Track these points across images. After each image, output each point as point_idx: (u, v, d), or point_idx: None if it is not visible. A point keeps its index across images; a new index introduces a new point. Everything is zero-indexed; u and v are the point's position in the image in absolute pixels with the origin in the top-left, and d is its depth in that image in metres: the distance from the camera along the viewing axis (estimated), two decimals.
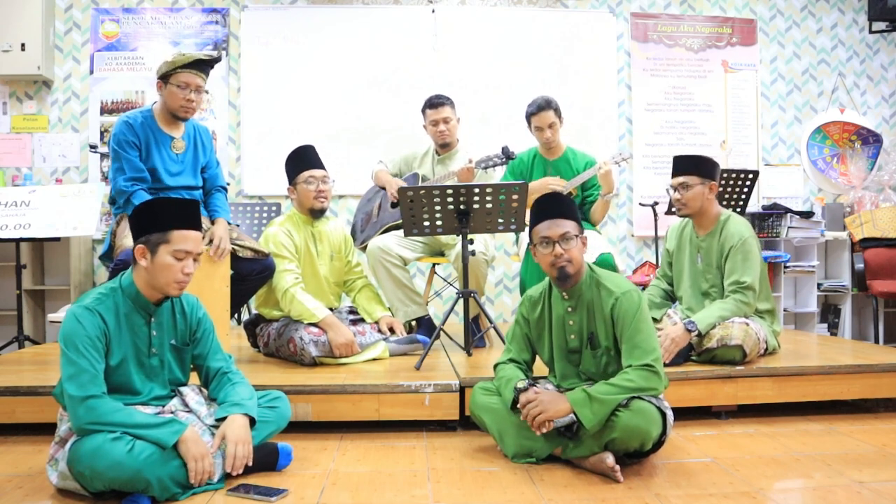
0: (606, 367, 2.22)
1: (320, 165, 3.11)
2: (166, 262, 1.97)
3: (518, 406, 2.13)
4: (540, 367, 2.44)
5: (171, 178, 2.94)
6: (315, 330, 2.92)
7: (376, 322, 3.19)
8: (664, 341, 2.65)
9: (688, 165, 2.89)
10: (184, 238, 1.98)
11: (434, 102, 3.66)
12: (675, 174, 2.92)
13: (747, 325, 2.74)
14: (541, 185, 3.66)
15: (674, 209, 2.99)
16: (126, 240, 2.74)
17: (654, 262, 4.75)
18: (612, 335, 2.19)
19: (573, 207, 2.26)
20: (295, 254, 3.06)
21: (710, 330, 2.71)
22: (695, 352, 2.76)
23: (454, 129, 3.71)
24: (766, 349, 2.88)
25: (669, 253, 3.15)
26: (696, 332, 2.70)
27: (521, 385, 2.17)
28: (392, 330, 3.17)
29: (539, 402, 2.06)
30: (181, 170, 2.98)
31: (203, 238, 2.83)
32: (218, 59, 2.94)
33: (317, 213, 3.13)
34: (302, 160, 3.10)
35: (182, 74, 2.84)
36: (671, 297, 3.16)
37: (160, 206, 2.02)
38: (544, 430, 2.07)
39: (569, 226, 2.19)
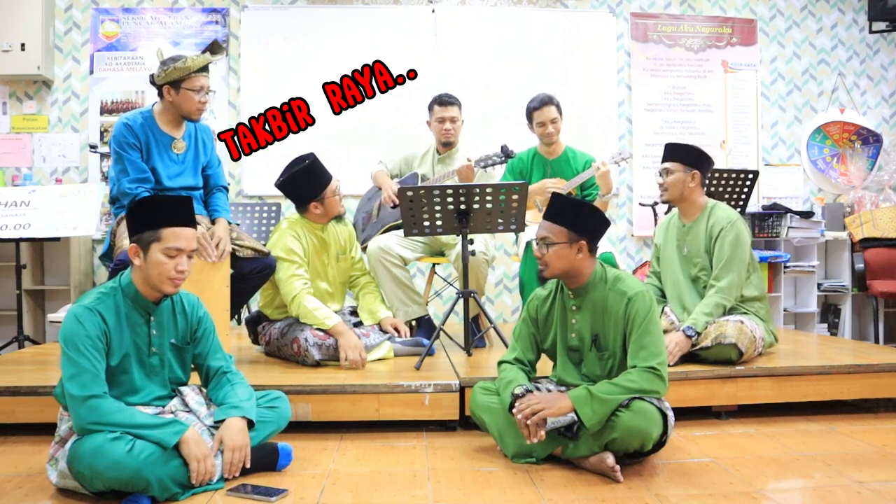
0: (611, 372, 2.21)
1: (330, 174, 3.09)
2: (158, 259, 1.96)
3: (513, 412, 2.10)
4: (542, 367, 2.44)
5: (171, 180, 2.92)
6: (320, 333, 2.91)
7: (378, 323, 3.19)
8: (669, 345, 2.67)
9: (673, 153, 3.00)
10: (175, 235, 1.98)
11: (444, 100, 3.65)
12: (662, 160, 3.03)
13: (742, 323, 2.75)
14: (539, 188, 3.66)
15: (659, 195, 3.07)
16: (126, 240, 2.73)
17: None
18: (622, 338, 2.17)
19: (571, 213, 2.19)
20: (304, 257, 3.04)
21: (706, 328, 2.74)
22: (691, 349, 2.76)
23: (458, 130, 3.71)
24: (764, 346, 2.87)
25: (658, 248, 3.18)
26: (694, 335, 2.73)
27: (518, 391, 2.14)
28: (396, 330, 3.17)
29: (540, 400, 2.06)
30: (181, 170, 2.97)
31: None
32: (224, 49, 2.95)
33: (340, 217, 3.14)
34: (321, 176, 3.02)
35: (197, 79, 2.84)
36: (663, 295, 3.17)
37: (152, 205, 2.01)
38: (535, 440, 2.04)
39: (552, 231, 2.19)
